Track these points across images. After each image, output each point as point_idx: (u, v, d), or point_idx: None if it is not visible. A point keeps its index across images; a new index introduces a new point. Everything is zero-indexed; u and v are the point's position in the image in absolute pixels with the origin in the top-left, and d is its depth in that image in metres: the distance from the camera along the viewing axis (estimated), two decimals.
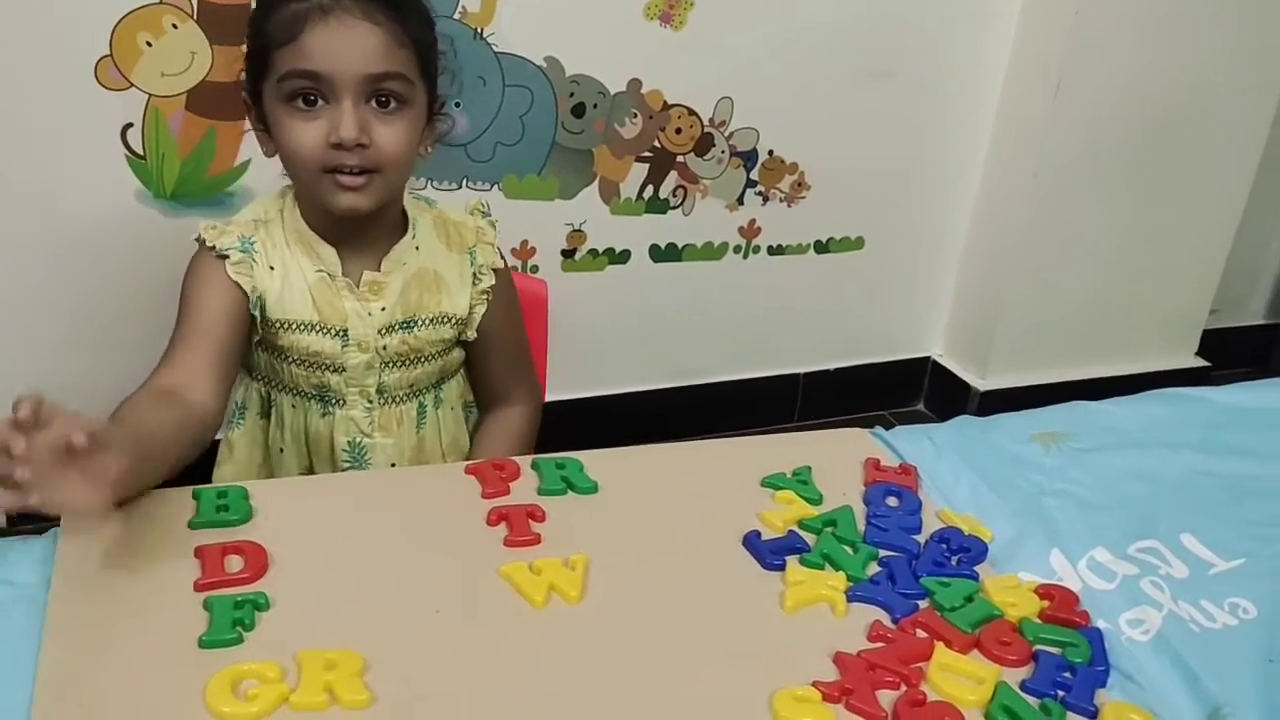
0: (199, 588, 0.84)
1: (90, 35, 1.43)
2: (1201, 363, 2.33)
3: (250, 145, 1.54)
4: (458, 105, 1.59)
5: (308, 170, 1.02)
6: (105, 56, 1.44)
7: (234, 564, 0.86)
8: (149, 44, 1.45)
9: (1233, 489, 1.14)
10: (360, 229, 1.09)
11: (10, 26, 1.39)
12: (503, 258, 1.20)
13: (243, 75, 1.05)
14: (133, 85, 1.47)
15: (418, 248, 1.13)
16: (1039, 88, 1.95)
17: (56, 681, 0.75)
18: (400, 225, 1.13)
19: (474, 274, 1.16)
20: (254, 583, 0.85)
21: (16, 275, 1.51)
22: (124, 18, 1.43)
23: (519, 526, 0.94)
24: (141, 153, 1.51)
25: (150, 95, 1.48)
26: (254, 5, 1.03)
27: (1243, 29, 2.01)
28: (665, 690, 0.80)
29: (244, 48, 1.04)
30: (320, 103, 0.99)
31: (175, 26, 1.45)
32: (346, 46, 0.97)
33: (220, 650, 0.78)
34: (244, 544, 0.88)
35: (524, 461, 1.05)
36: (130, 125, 1.49)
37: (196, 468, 1.28)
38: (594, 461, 1.05)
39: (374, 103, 1.00)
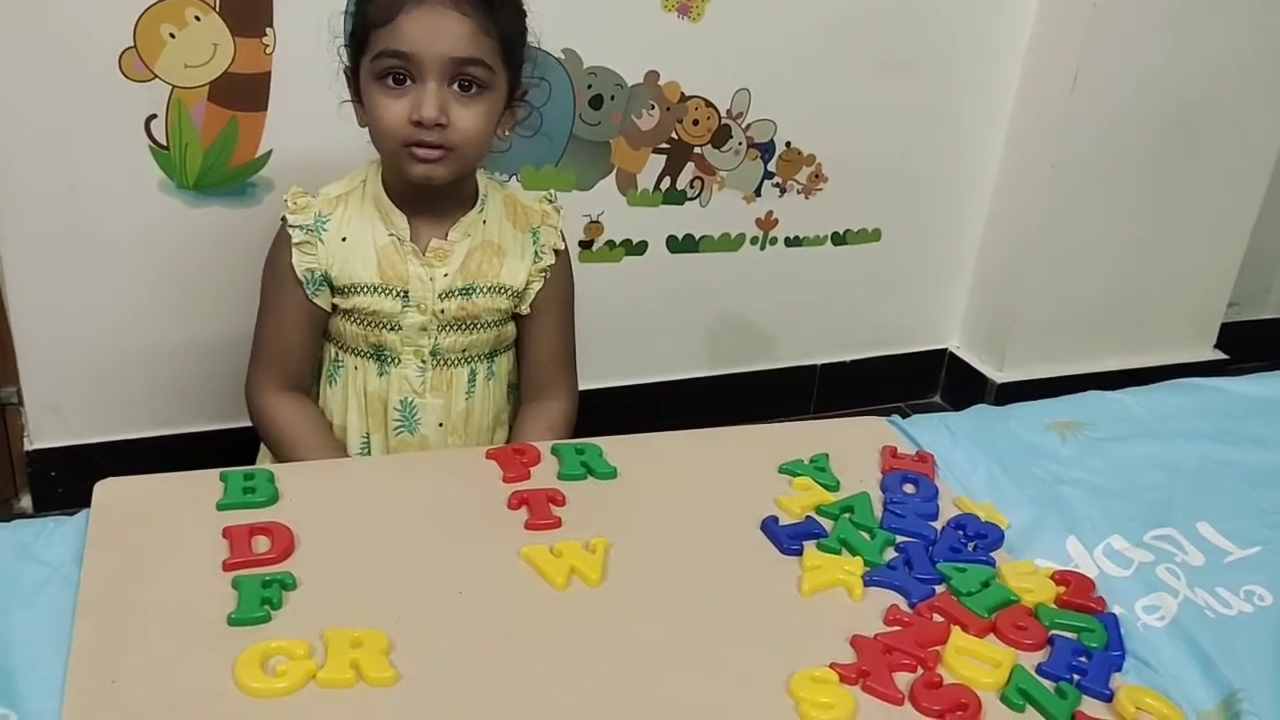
0: (227, 567, 0.86)
1: (114, 27, 1.44)
2: (1220, 356, 2.32)
3: (271, 136, 1.56)
4: None
5: (391, 142, 1.11)
6: (129, 48, 1.45)
7: (261, 544, 0.88)
8: (172, 35, 1.47)
9: (1249, 478, 1.14)
10: (432, 199, 1.18)
11: (35, 19, 1.40)
12: (565, 243, 1.27)
13: (343, 54, 1.16)
14: (156, 76, 1.48)
15: (485, 221, 1.22)
16: (1056, 81, 1.95)
17: (89, 658, 0.77)
18: (470, 198, 1.22)
19: (535, 252, 1.24)
20: (281, 563, 0.87)
21: (41, 265, 1.53)
22: (147, 9, 1.44)
23: (540, 510, 0.96)
24: (165, 143, 1.52)
25: (173, 86, 1.49)
26: None
27: (1261, 22, 2.00)
28: (684, 671, 0.82)
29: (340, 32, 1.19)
30: (408, 82, 1.09)
31: (198, 18, 1.47)
32: (435, 31, 1.07)
33: (249, 628, 0.80)
34: (271, 525, 0.89)
35: (544, 447, 1.06)
36: (154, 116, 1.50)
37: (243, 442, 1.31)
38: (613, 447, 1.06)
39: (456, 86, 1.09)
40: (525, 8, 1.17)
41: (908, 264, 2.11)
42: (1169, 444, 1.19)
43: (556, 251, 1.25)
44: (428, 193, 1.16)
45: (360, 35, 1.12)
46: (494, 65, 1.11)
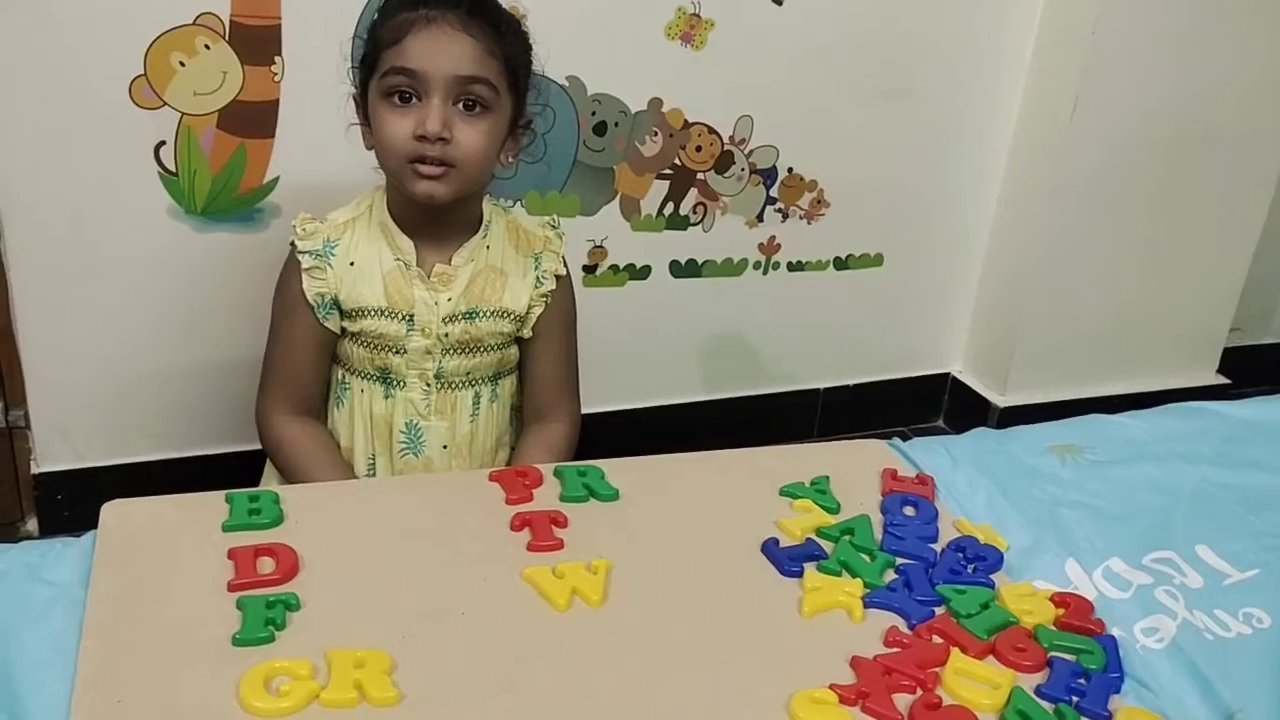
0: (232, 588, 0.86)
1: (125, 55, 1.46)
2: (1222, 380, 2.33)
3: (279, 163, 1.58)
4: None
5: (395, 158, 1.13)
6: (140, 76, 1.47)
7: (266, 565, 0.89)
8: (182, 64, 1.49)
9: (1247, 501, 1.15)
10: (437, 223, 1.19)
11: (47, 47, 1.43)
12: (567, 269, 1.28)
13: (353, 77, 1.19)
14: (166, 104, 1.50)
15: (488, 246, 1.23)
16: (1057, 106, 1.97)
17: (95, 678, 0.77)
18: (475, 223, 1.24)
19: (537, 277, 1.25)
20: (285, 584, 0.87)
21: (50, 290, 1.54)
22: (158, 38, 1.47)
23: (542, 532, 0.96)
24: (174, 170, 1.54)
25: (183, 114, 1.51)
26: (374, 15, 1.17)
27: (1260, 47, 2.02)
28: (685, 692, 0.82)
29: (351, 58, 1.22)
30: (414, 100, 1.11)
31: (208, 47, 1.49)
32: (442, 50, 1.10)
33: (253, 649, 0.80)
34: (276, 546, 0.90)
35: (547, 469, 1.07)
36: (163, 143, 1.52)
37: (249, 464, 1.33)
38: (615, 470, 1.07)
39: (461, 105, 1.12)
40: (531, 40, 1.19)
41: (910, 289, 2.12)
42: (1168, 467, 1.20)
43: (558, 277, 1.27)
44: (433, 217, 1.18)
45: (371, 57, 1.15)
46: (498, 86, 1.13)
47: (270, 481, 1.28)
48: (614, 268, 1.86)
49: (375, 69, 1.13)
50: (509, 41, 1.14)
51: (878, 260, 2.06)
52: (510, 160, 1.22)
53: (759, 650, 0.87)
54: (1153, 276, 2.17)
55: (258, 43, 1.51)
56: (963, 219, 2.11)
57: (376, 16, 1.16)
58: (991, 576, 0.98)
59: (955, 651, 0.87)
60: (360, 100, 1.18)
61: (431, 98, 1.10)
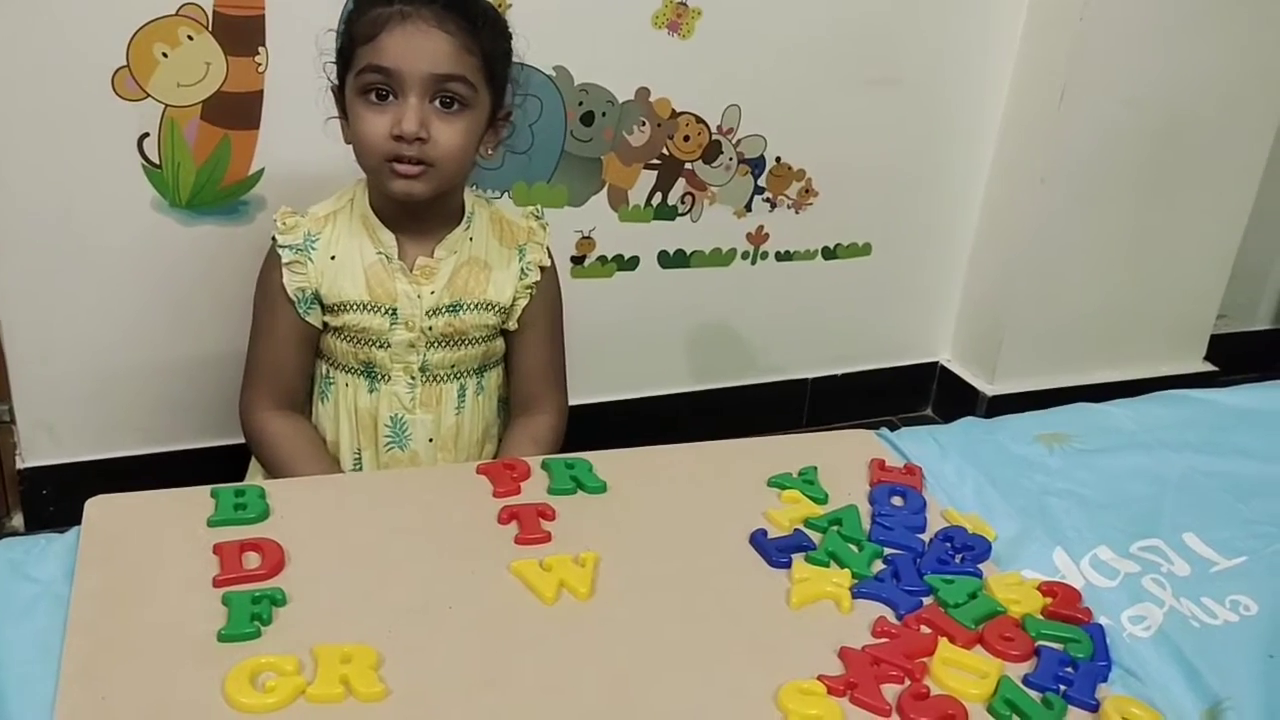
0: (218, 583, 0.86)
1: (107, 47, 1.45)
2: (1209, 368, 2.33)
3: (263, 155, 1.57)
4: None
5: (372, 157, 1.12)
6: (122, 68, 1.46)
7: (252, 560, 0.88)
8: (165, 55, 1.47)
9: (1235, 489, 1.15)
10: (419, 216, 1.19)
11: (28, 39, 1.41)
12: (552, 260, 1.28)
13: (330, 71, 1.18)
14: (149, 96, 1.49)
15: (471, 238, 1.23)
16: (1044, 94, 1.96)
17: (79, 675, 0.77)
18: (457, 215, 1.23)
19: (521, 269, 1.25)
20: (271, 579, 0.87)
21: (34, 283, 1.53)
22: (140, 29, 1.45)
23: (530, 525, 0.96)
24: (158, 162, 1.53)
25: (166, 105, 1.50)
26: (350, 7, 1.16)
27: (1248, 35, 2.02)
28: (673, 684, 0.82)
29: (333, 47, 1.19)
30: (390, 98, 1.10)
31: (191, 38, 1.48)
32: (418, 48, 1.08)
33: (239, 644, 0.80)
34: (261, 541, 0.90)
35: (534, 461, 1.07)
36: (146, 135, 1.51)
37: (235, 458, 1.32)
38: (603, 462, 1.07)
39: (438, 102, 1.11)
40: (510, 29, 1.18)
41: (898, 278, 2.12)
42: (1155, 455, 1.20)
43: (542, 268, 1.26)
44: (414, 210, 1.17)
45: (346, 53, 1.13)
46: (475, 83, 1.12)
47: (255, 476, 1.28)
48: (602, 259, 1.85)
49: (351, 65, 1.12)
50: (486, 36, 1.13)
51: (866, 249, 2.06)
52: (490, 152, 1.21)
53: (747, 641, 0.87)
54: (1140, 264, 2.17)
55: (241, 33, 1.50)
56: (951, 208, 2.11)
57: (351, 9, 1.15)
58: (979, 566, 0.98)
59: (943, 641, 0.87)
60: (338, 93, 1.17)
61: (408, 96, 1.09)
